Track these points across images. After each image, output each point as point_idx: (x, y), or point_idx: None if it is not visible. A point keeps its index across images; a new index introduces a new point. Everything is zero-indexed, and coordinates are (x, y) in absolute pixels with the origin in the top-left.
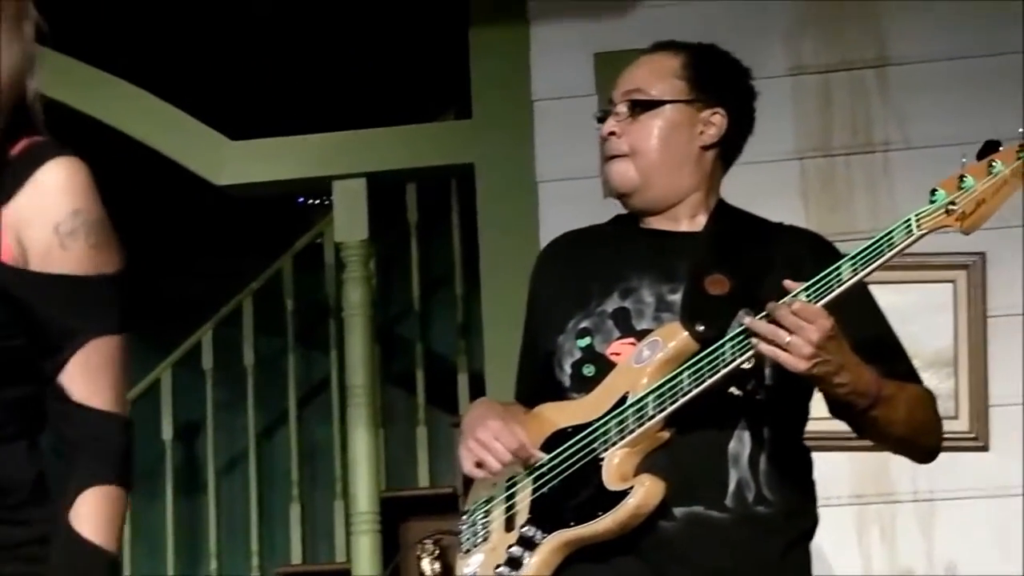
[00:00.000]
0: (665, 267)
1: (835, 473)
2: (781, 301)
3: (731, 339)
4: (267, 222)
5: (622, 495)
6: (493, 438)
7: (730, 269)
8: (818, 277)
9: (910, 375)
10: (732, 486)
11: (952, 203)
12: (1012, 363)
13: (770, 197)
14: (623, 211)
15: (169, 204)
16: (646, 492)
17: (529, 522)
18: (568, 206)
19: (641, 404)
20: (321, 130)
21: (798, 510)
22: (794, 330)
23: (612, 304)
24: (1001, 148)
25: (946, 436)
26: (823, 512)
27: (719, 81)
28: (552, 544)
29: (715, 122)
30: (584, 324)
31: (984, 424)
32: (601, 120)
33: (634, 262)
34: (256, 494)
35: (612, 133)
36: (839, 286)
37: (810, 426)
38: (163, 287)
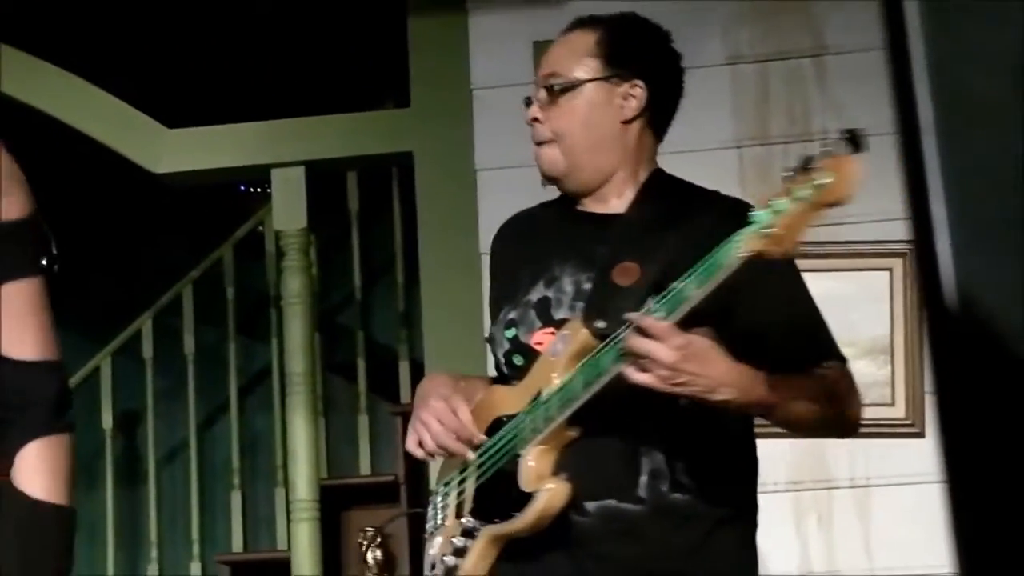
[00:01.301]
0: (585, 254)
1: (772, 459)
2: (638, 313)
3: (614, 344)
4: (207, 210)
5: (533, 496)
6: (434, 418)
7: (642, 255)
8: (668, 291)
9: (825, 355)
10: (645, 476)
11: (769, 227)
12: None
13: (710, 185)
14: None
15: (108, 193)
16: (550, 496)
17: (472, 512)
18: (507, 195)
19: (547, 404)
20: (260, 118)
21: (721, 495)
22: (648, 349)
23: (537, 293)
24: (820, 159)
25: (882, 422)
26: (761, 499)
27: (634, 53)
28: (483, 539)
29: (635, 95)
30: (512, 315)
31: (920, 411)
32: (528, 105)
33: (558, 249)
34: (197, 483)
35: (536, 119)
36: (687, 304)
37: None
38: (102, 276)
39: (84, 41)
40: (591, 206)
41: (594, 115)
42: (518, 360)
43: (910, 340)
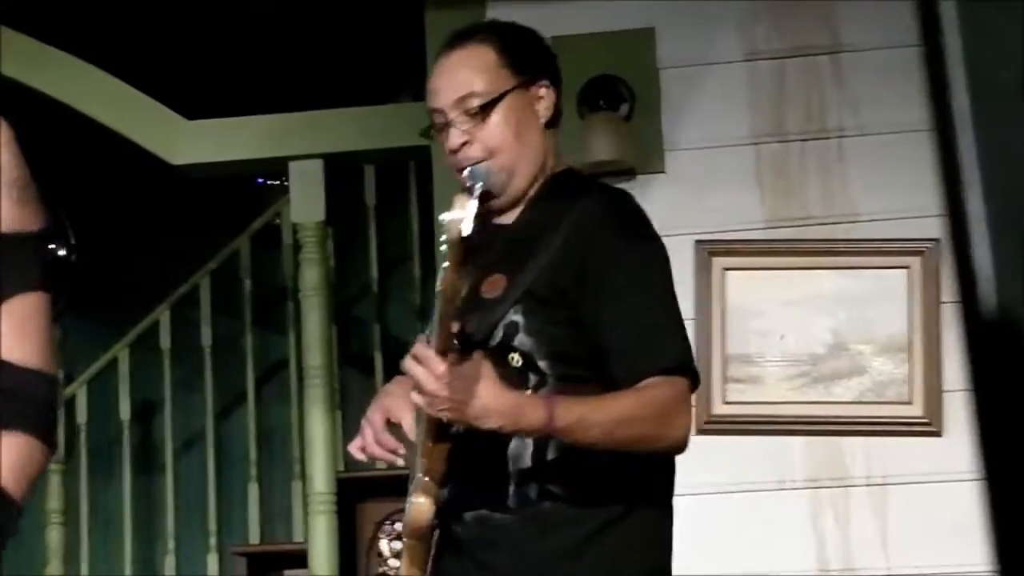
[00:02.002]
0: (478, 265)
1: (789, 458)
2: (421, 339)
3: None
4: (225, 202)
5: None
6: (369, 426)
7: (511, 266)
8: (436, 316)
9: (656, 366)
10: (513, 486)
11: (444, 264)
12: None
13: (725, 181)
14: None
15: (126, 184)
16: (413, 512)
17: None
18: None
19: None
20: (278, 111)
21: (600, 498)
22: (417, 375)
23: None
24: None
25: (900, 421)
26: (778, 496)
27: (535, 56)
28: (404, 551)
29: (544, 96)
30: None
31: (937, 409)
32: (426, 135)
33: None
34: (214, 474)
35: (465, 143)
36: (433, 329)
37: (764, 410)
38: (121, 267)
39: (104, 33)
40: (498, 218)
41: (522, 123)
42: None
43: (928, 338)
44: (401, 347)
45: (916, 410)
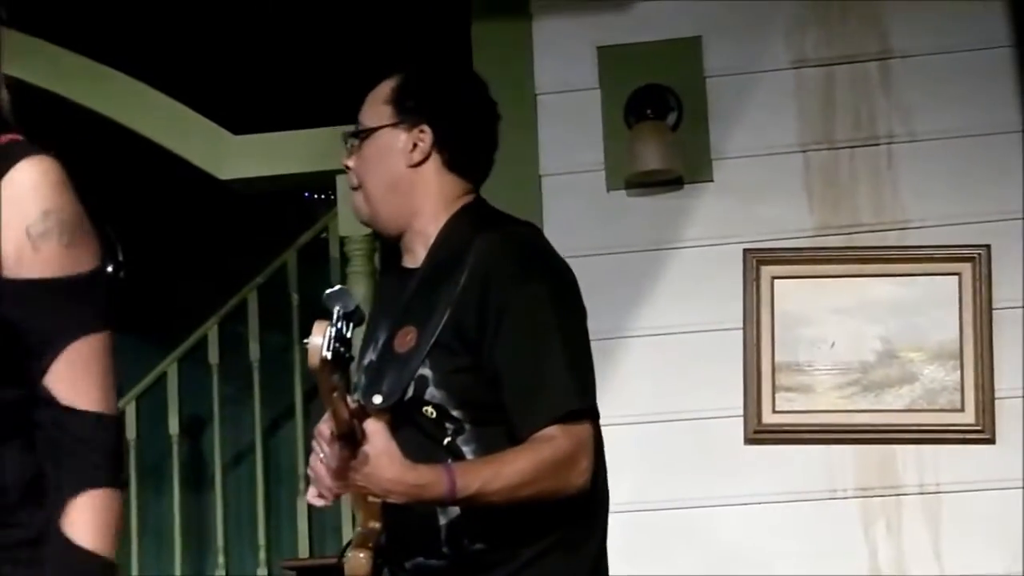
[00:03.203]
0: (389, 317)
1: (840, 466)
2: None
3: None
4: (272, 217)
5: None
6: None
7: (420, 317)
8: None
9: (552, 414)
10: (444, 532)
11: None
12: (1017, 355)
13: (775, 189)
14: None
15: (173, 199)
16: (351, 565)
17: None
18: (571, 199)
19: None
20: (324, 124)
21: (525, 538)
22: (322, 452)
23: (368, 357)
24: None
25: (952, 428)
26: (829, 506)
27: (422, 98)
28: None
29: (422, 139)
30: (357, 379)
31: (990, 416)
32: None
33: (381, 309)
34: (263, 488)
35: (347, 166)
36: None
37: (815, 419)
38: (169, 282)
39: (150, 48)
40: (406, 260)
41: (384, 160)
42: None
43: (979, 345)
44: None
45: (968, 417)
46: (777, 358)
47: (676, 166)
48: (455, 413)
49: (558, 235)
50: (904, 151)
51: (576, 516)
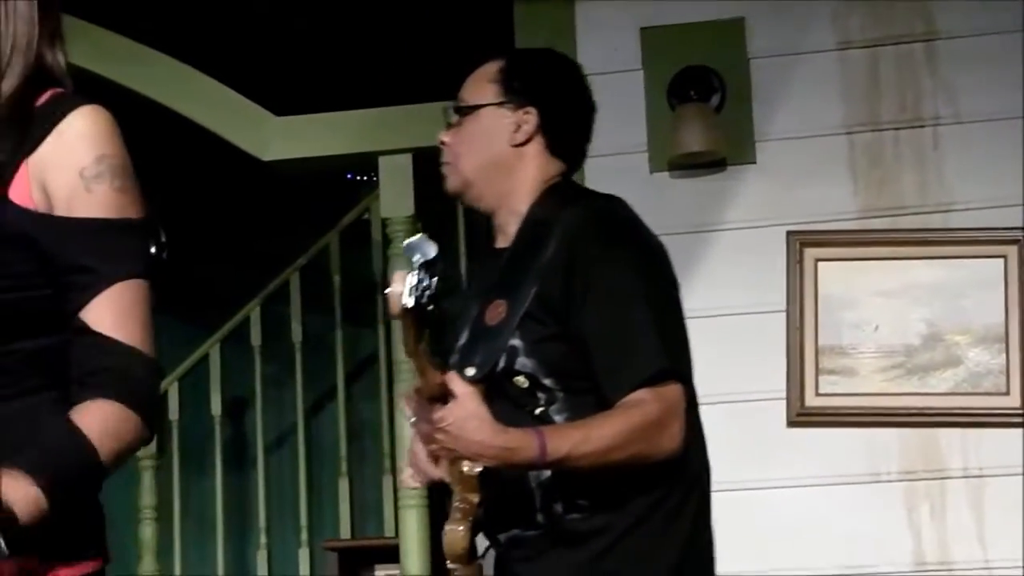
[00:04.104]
0: (482, 292)
1: (884, 449)
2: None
3: None
4: (315, 198)
5: None
6: (412, 455)
7: (511, 291)
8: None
9: (641, 377)
10: (539, 504)
11: None
12: None
13: (819, 171)
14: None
15: (216, 180)
16: (447, 540)
17: None
18: (616, 181)
19: None
20: (367, 105)
21: (620, 505)
22: (414, 414)
23: (463, 338)
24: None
25: (996, 412)
26: (872, 489)
27: (529, 81)
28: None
29: (527, 120)
30: (450, 360)
31: None
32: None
33: (474, 290)
34: (304, 469)
35: (443, 141)
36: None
37: (857, 402)
38: (211, 264)
39: (194, 30)
40: (499, 241)
41: (486, 138)
42: None
43: None
44: None
45: (1013, 401)
46: (820, 341)
47: (719, 148)
48: (546, 382)
49: None
50: (950, 133)
51: (671, 483)
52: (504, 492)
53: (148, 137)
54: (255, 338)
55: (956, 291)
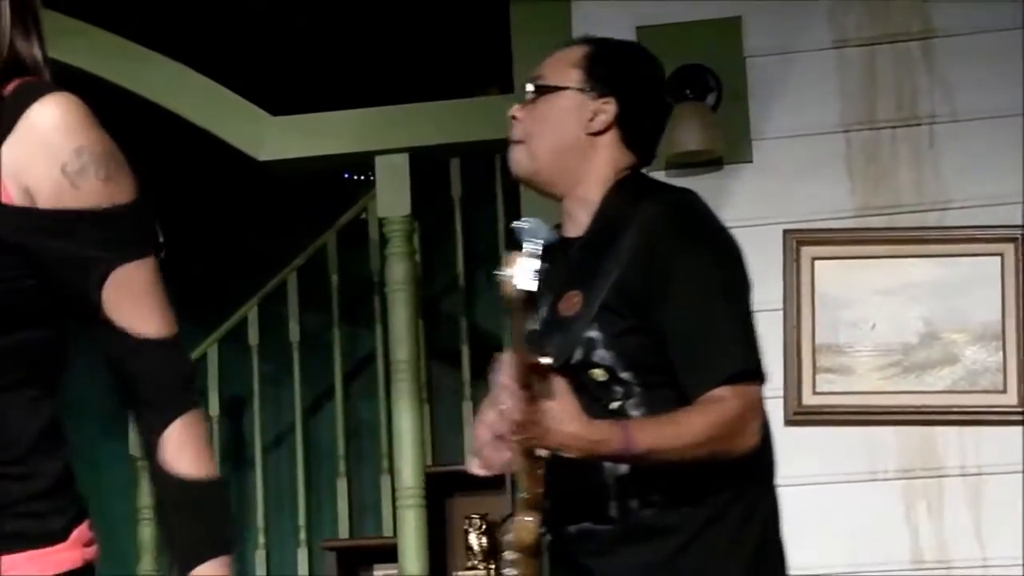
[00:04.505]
0: (553, 283)
1: (881, 448)
2: (501, 369)
3: None
4: (312, 198)
5: None
6: (480, 444)
7: (586, 281)
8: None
9: (722, 375)
10: (613, 497)
11: None
12: None
13: (815, 170)
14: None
15: (212, 180)
16: (516, 530)
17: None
18: None
19: None
20: (363, 105)
21: (695, 503)
22: (503, 403)
23: (533, 325)
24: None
25: (994, 410)
26: (870, 487)
27: (612, 71)
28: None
29: (605, 110)
30: None
31: None
32: None
33: (545, 280)
34: (303, 469)
35: (514, 117)
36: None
37: (854, 400)
38: (208, 263)
39: (188, 29)
40: (568, 229)
41: (562, 121)
42: None
43: (1022, 326)
44: (488, 341)
45: (1011, 399)
46: (817, 339)
47: (716, 147)
48: (624, 375)
49: None
50: (946, 131)
51: (746, 482)
52: (577, 485)
53: (144, 137)
54: (252, 338)
55: (953, 289)
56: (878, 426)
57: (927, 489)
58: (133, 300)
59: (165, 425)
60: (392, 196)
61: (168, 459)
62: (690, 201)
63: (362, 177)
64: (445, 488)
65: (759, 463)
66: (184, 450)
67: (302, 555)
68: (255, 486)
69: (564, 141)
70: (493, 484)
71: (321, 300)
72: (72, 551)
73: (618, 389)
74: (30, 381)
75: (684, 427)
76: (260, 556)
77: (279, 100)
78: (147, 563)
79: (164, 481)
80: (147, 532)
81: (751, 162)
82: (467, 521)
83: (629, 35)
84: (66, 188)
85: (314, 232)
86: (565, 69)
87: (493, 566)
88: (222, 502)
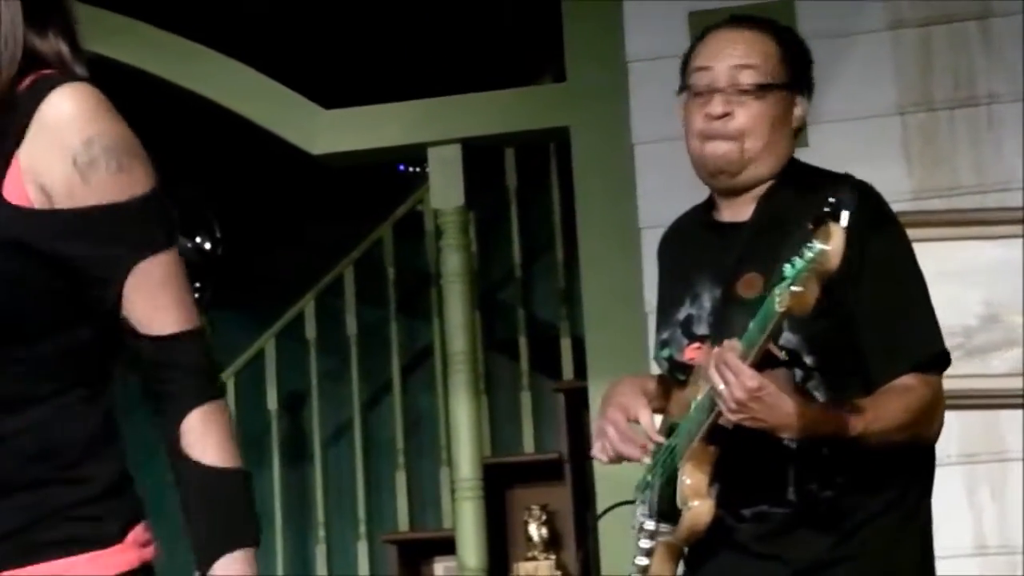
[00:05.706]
0: (717, 266)
1: (944, 432)
2: (723, 348)
3: None
4: (367, 191)
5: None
6: (610, 425)
7: (764, 264)
8: (752, 328)
9: (915, 362)
10: (792, 480)
11: (798, 286)
12: None
13: (872, 153)
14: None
15: (269, 175)
16: (693, 515)
17: (658, 513)
18: (665, 167)
19: (688, 422)
20: (415, 97)
21: (873, 486)
22: (725, 382)
23: (684, 312)
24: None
25: None
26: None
27: (804, 68)
28: (660, 547)
29: (802, 107)
30: (664, 335)
31: None
32: (684, 90)
33: (698, 264)
34: (362, 463)
35: (726, 115)
36: (755, 348)
37: None
38: (265, 258)
39: (241, 25)
40: (726, 213)
41: (779, 120)
42: (680, 376)
43: None
44: (545, 331)
45: None
46: None
47: None
48: (807, 359)
49: (651, 203)
50: (1005, 111)
51: (916, 470)
52: (753, 468)
53: (199, 134)
54: (310, 332)
55: (1014, 271)
56: None
57: (990, 473)
58: (152, 296)
59: (185, 414)
60: (445, 187)
61: (189, 447)
62: (870, 188)
63: (418, 169)
64: (504, 479)
65: (931, 455)
66: (206, 438)
67: (362, 549)
68: (315, 481)
69: (776, 141)
70: (552, 475)
71: (378, 293)
72: (128, 552)
73: (799, 372)
74: (76, 384)
75: (888, 410)
76: (321, 551)
77: (331, 94)
78: None
79: (186, 470)
80: None
81: (807, 146)
82: (527, 512)
83: (681, 20)
84: (77, 182)
85: (370, 225)
86: (773, 65)
87: (553, 556)
88: (246, 492)
